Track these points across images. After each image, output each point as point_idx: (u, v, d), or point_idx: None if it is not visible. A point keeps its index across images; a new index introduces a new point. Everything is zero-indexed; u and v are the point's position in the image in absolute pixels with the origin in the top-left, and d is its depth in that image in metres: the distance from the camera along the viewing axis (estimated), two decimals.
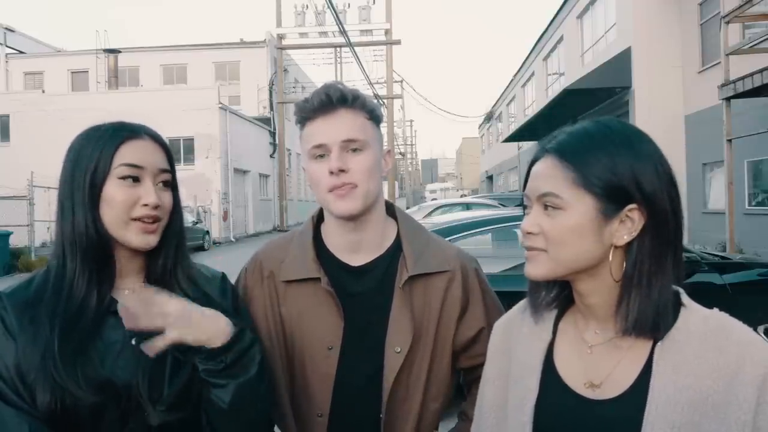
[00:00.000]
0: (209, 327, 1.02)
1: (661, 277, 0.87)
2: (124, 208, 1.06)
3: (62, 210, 1.08)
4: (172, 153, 1.17)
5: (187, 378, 1.08)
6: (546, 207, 0.89)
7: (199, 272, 1.22)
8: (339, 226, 1.28)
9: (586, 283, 0.91)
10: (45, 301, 1.04)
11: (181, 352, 1.08)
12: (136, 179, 1.07)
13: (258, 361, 1.08)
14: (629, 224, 0.87)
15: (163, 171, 1.12)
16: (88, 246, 1.06)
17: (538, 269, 0.91)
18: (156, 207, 1.08)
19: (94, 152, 1.07)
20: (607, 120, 0.93)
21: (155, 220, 1.09)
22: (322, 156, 1.20)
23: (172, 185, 1.15)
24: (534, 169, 0.93)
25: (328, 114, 1.20)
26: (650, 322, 0.86)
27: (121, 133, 1.09)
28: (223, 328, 1.03)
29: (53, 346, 0.99)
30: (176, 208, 1.15)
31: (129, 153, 1.08)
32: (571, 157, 0.88)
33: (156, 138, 1.13)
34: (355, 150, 1.20)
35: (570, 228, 0.87)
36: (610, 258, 0.88)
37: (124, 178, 1.06)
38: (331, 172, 1.18)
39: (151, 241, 1.09)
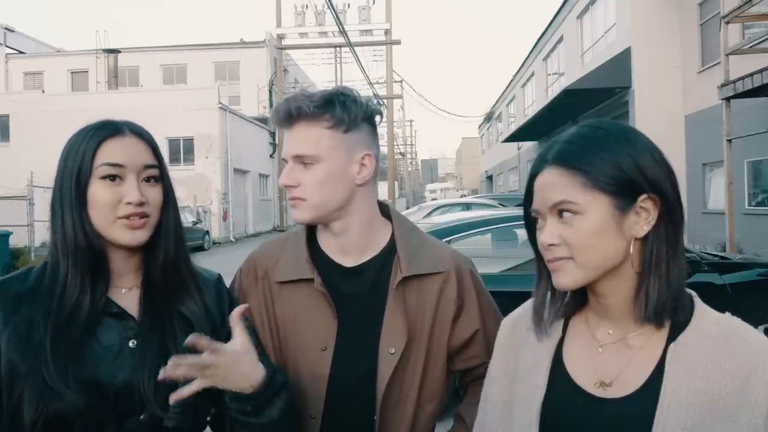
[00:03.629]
0: (244, 379, 1.03)
1: (678, 262, 0.90)
2: (109, 208, 1.05)
3: (53, 212, 1.08)
4: (159, 148, 1.15)
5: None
6: (561, 216, 0.89)
7: (198, 273, 1.21)
8: (323, 230, 1.30)
9: (609, 283, 0.91)
10: (40, 297, 1.04)
11: None
12: (118, 177, 1.06)
13: (282, 405, 1.08)
14: (645, 215, 0.89)
15: (149, 167, 1.10)
16: (78, 248, 1.05)
17: (567, 278, 0.90)
18: (141, 204, 1.06)
19: (78, 154, 1.06)
20: (597, 121, 0.96)
21: (142, 216, 1.07)
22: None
23: (162, 180, 1.13)
24: (538, 182, 0.93)
25: (288, 127, 1.23)
26: (670, 307, 0.88)
27: (102, 132, 1.08)
28: (257, 376, 1.04)
29: (45, 347, 0.99)
30: (168, 203, 1.13)
31: (109, 152, 1.06)
32: (575, 162, 0.89)
33: (139, 134, 1.11)
34: (306, 164, 1.21)
35: (592, 231, 0.87)
36: (631, 251, 0.89)
37: (105, 177, 1.05)
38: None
39: (139, 236, 1.07)
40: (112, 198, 1.05)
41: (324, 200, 1.22)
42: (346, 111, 1.21)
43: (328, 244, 1.31)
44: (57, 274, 1.06)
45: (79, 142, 1.07)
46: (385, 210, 1.36)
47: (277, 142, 28.46)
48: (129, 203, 1.05)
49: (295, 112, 1.20)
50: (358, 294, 1.27)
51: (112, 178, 1.06)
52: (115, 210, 1.05)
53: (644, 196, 0.88)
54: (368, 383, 1.24)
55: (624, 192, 0.88)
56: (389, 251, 1.30)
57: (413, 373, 1.26)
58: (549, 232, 0.90)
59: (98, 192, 1.05)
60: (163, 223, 1.12)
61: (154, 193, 1.10)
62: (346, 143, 1.22)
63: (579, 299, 0.99)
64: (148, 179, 1.10)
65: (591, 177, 0.87)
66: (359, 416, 1.24)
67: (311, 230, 1.34)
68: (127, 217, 1.05)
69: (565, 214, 0.89)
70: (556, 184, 0.90)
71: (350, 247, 1.29)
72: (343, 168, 1.22)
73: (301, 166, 1.21)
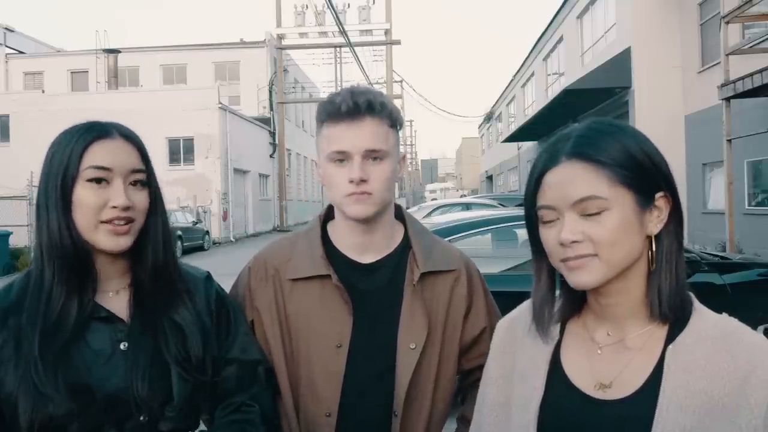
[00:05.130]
0: None
1: (682, 258, 0.91)
2: (93, 211, 1.03)
3: (38, 215, 1.06)
4: (147, 151, 1.13)
5: (192, 387, 1.08)
6: (584, 211, 0.86)
7: (186, 272, 1.21)
8: (349, 226, 1.29)
9: (615, 283, 0.90)
10: (26, 308, 1.03)
11: (184, 368, 1.07)
12: (104, 181, 1.04)
13: None
14: (657, 213, 0.89)
15: (136, 171, 1.08)
16: (63, 252, 1.03)
17: (591, 276, 0.87)
18: (126, 208, 1.04)
19: (64, 155, 1.04)
20: (602, 119, 0.95)
21: (127, 221, 1.05)
22: (342, 161, 1.22)
23: (149, 185, 1.11)
24: (552, 178, 0.89)
25: (354, 121, 1.20)
26: (679, 302, 0.89)
27: (90, 134, 1.06)
28: None
29: (34, 353, 0.98)
30: (155, 208, 1.12)
31: (97, 154, 1.04)
32: (600, 156, 0.87)
33: (128, 137, 1.10)
34: (375, 159, 1.21)
35: (619, 227, 0.86)
36: (653, 248, 0.89)
37: (91, 180, 1.04)
38: (351, 181, 1.19)
39: (122, 242, 1.06)
40: (97, 201, 1.03)
41: (387, 196, 1.25)
42: (398, 113, 1.28)
43: (346, 241, 1.31)
44: (42, 280, 1.04)
45: (65, 142, 1.06)
46: (398, 211, 1.39)
47: (277, 142, 28.44)
48: (114, 207, 1.03)
49: (364, 106, 1.21)
50: (374, 290, 1.28)
51: (98, 181, 1.04)
52: (99, 213, 1.04)
53: (661, 193, 0.89)
54: (385, 379, 1.24)
55: (644, 189, 0.87)
56: (403, 249, 1.32)
57: (428, 370, 1.27)
58: (571, 228, 0.86)
59: (83, 195, 1.03)
60: (150, 228, 1.11)
61: (141, 198, 1.09)
62: (397, 142, 1.29)
63: (577, 302, 0.99)
64: (134, 183, 1.08)
65: (616, 172, 0.86)
66: (375, 413, 1.25)
67: (323, 229, 1.35)
68: (111, 221, 1.04)
69: (590, 209, 0.86)
70: (578, 180, 0.87)
71: (373, 243, 1.30)
72: (396, 165, 1.28)
73: (370, 161, 1.22)
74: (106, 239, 1.04)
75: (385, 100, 1.24)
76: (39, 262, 1.06)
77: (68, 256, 1.03)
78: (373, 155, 1.21)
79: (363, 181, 1.19)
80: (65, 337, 1.01)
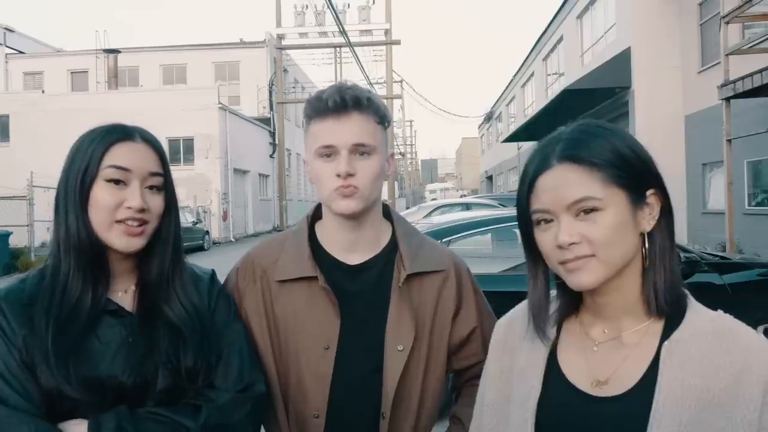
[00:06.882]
0: None
1: (675, 253, 0.92)
2: (109, 210, 1.06)
3: (57, 210, 1.09)
4: (167, 156, 1.17)
5: (172, 380, 1.08)
6: (579, 213, 0.87)
7: (192, 272, 1.22)
8: (337, 224, 1.28)
9: (613, 280, 0.90)
10: (40, 299, 1.05)
11: (170, 372, 1.08)
12: (122, 182, 1.07)
13: None
14: (648, 210, 0.90)
15: (154, 174, 1.11)
16: (80, 247, 1.06)
17: (590, 276, 0.88)
18: (141, 210, 1.07)
19: (86, 154, 1.07)
20: (588, 121, 0.96)
21: (141, 223, 1.08)
22: (329, 156, 1.21)
23: (166, 189, 1.14)
24: (545, 182, 0.90)
25: (341, 116, 1.21)
26: (675, 297, 0.90)
27: (113, 135, 1.09)
28: None
29: (47, 344, 1.00)
30: (169, 212, 1.15)
31: (118, 155, 1.08)
32: (591, 157, 0.88)
33: (150, 141, 1.13)
34: (362, 154, 1.21)
35: (615, 226, 0.87)
36: (647, 245, 0.90)
37: (110, 180, 1.06)
38: (338, 175, 1.19)
39: (134, 244, 1.08)
40: (113, 201, 1.06)
41: (374, 191, 1.25)
42: (385, 110, 1.27)
43: (334, 240, 1.31)
44: (58, 274, 1.07)
45: (88, 142, 1.09)
46: (385, 211, 1.38)
47: (277, 142, 28.43)
48: (129, 208, 1.06)
49: (351, 101, 1.20)
50: (361, 292, 1.28)
51: (117, 182, 1.07)
52: (114, 213, 1.06)
53: (652, 191, 0.90)
54: (372, 381, 1.24)
55: (635, 186, 0.88)
56: (390, 250, 1.32)
57: (416, 371, 1.27)
58: (568, 230, 0.87)
59: (100, 194, 1.06)
60: (162, 232, 1.14)
61: (156, 202, 1.11)
62: (385, 139, 1.28)
63: (574, 302, 1.00)
64: (151, 187, 1.11)
65: (609, 172, 0.87)
66: (363, 414, 1.25)
67: (311, 229, 1.35)
68: (125, 221, 1.06)
69: (585, 210, 0.87)
70: (572, 182, 0.88)
71: (360, 243, 1.30)
72: (384, 162, 1.27)
73: (357, 156, 1.21)
74: (119, 239, 1.07)
75: (372, 96, 1.24)
76: (56, 255, 1.09)
77: (84, 251, 1.07)
78: (360, 150, 1.21)
79: (350, 175, 1.19)
80: (79, 329, 1.03)
